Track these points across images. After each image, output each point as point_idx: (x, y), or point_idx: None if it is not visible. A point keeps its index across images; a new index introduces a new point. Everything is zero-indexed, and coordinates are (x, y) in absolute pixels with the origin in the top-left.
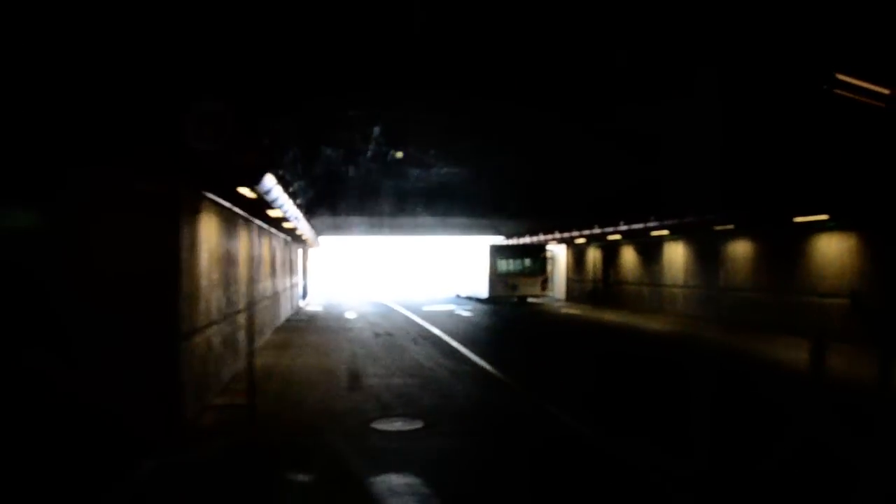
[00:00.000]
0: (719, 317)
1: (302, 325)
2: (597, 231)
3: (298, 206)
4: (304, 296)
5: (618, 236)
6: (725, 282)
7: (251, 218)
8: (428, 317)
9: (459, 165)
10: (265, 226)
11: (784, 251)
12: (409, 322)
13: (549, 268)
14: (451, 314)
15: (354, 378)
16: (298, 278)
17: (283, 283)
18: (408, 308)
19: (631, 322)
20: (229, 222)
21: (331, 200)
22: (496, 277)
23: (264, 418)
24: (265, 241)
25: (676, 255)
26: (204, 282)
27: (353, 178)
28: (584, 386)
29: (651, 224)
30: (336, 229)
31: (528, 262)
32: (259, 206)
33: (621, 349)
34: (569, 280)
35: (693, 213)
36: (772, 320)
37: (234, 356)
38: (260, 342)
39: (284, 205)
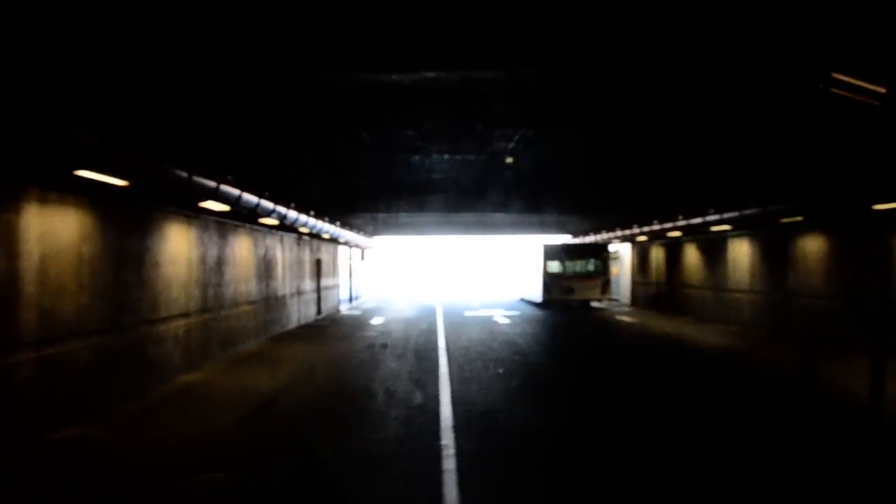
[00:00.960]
0: (790, 328)
1: (309, 333)
2: (656, 227)
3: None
4: (352, 298)
5: (677, 233)
6: (796, 286)
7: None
8: (458, 325)
9: (530, 157)
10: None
11: (863, 249)
12: (429, 331)
13: (610, 269)
14: (487, 321)
15: (261, 408)
16: (336, 280)
17: (293, 285)
18: (451, 312)
19: (688, 334)
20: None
21: (390, 196)
22: (551, 280)
23: None
24: (242, 241)
25: (741, 254)
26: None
27: (417, 170)
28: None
29: (710, 217)
30: (398, 228)
31: (585, 262)
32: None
33: (669, 379)
34: (634, 283)
35: (754, 202)
36: (851, 336)
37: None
38: (224, 354)
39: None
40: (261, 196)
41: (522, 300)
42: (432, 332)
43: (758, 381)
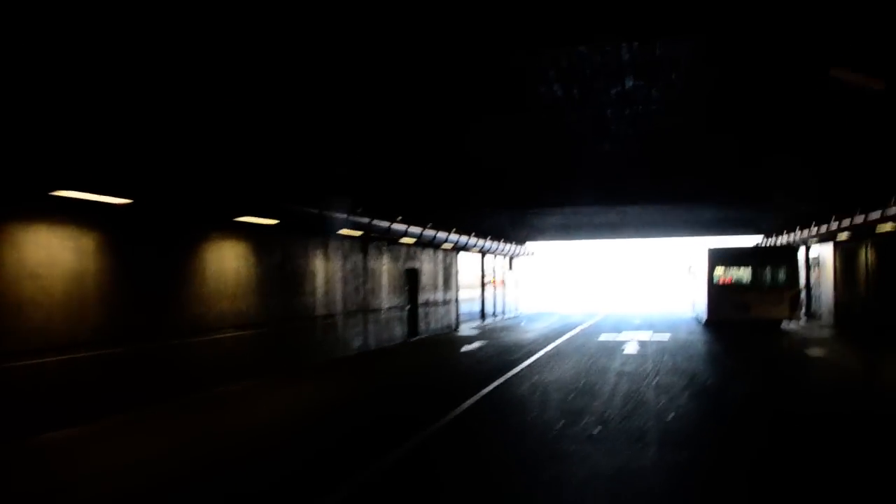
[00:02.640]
0: None
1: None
2: (859, 220)
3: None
4: (494, 313)
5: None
6: None
7: None
8: (569, 354)
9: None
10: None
11: None
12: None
13: (801, 279)
14: (614, 350)
15: None
16: (449, 294)
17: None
18: (587, 335)
19: None
20: None
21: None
22: (718, 293)
23: None
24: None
25: None
26: None
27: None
28: None
29: None
30: (559, 231)
31: (764, 271)
32: None
33: None
34: (837, 297)
35: None
36: None
37: None
38: None
39: None
40: None
41: (696, 318)
42: (528, 354)
43: None
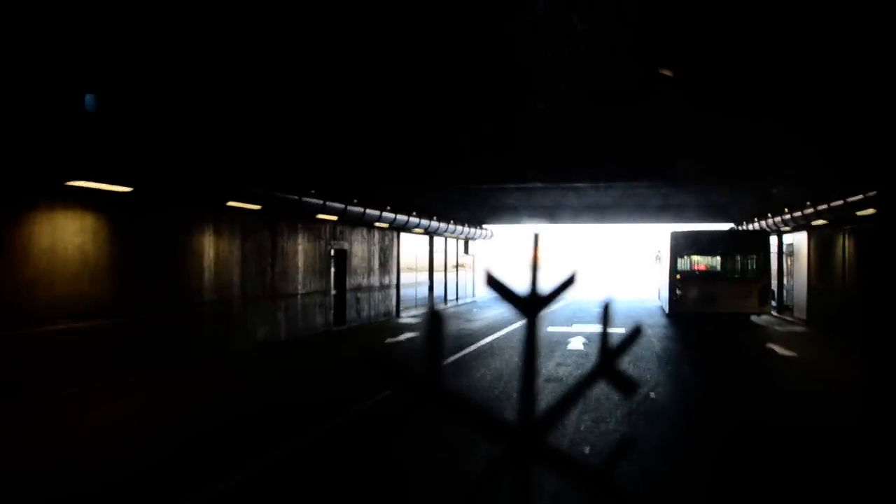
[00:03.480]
0: None
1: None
2: (836, 203)
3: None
4: (445, 299)
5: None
6: None
7: None
8: (510, 348)
9: None
10: None
11: None
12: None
13: (773, 268)
14: (558, 347)
15: None
16: (387, 278)
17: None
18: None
19: None
20: None
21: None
22: (681, 283)
23: None
24: None
25: None
26: None
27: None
28: None
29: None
30: (517, 214)
31: (732, 259)
32: None
33: None
34: (811, 289)
35: None
36: None
37: None
38: None
39: None
40: None
41: (662, 308)
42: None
43: None
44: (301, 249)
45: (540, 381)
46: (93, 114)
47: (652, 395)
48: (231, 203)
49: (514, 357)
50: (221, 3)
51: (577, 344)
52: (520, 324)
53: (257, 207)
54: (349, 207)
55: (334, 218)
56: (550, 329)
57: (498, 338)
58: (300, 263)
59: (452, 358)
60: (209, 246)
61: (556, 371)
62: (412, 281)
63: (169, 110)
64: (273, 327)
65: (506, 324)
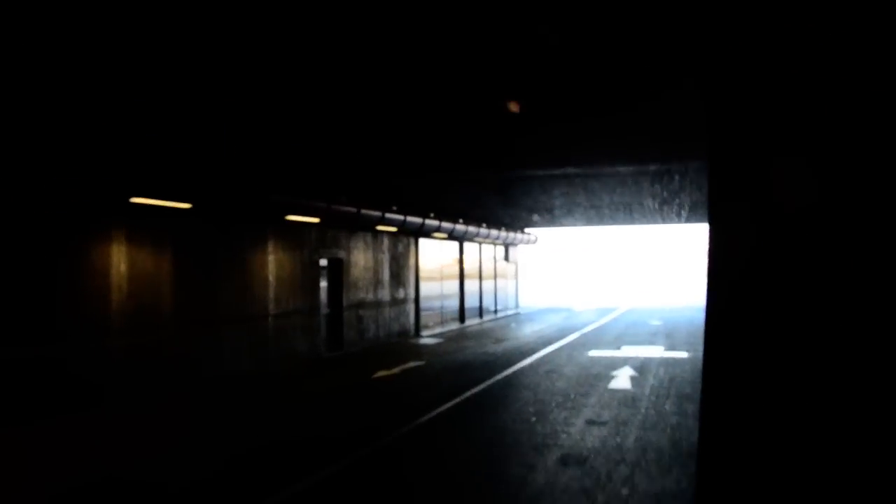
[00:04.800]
0: None
1: None
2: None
3: None
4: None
5: None
6: None
7: None
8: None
9: None
10: None
11: None
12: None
13: None
14: (596, 388)
15: None
16: (403, 291)
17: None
18: (581, 346)
19: None
20: None
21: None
22: None
23: None
24: None
25: None
26: None
27: None
28: None
29: None
30: (564, 216)
31: None
32: None
33: None
34: None
35: None
36: None
37: None
38: None
39: None
40: None
41: None
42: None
43: None
44: (272, 260)
45: (551, 460)
46: None
47: None
48: (140, 200)
49: (527, 407)
50: None
51: (623, 380)
52: (559, 344)
53: (186, 206)
54: (332, 207)
55: (315, 220)
56: (592, 354)
57: (522, 367)
58: (271, 277)
59: (432, 414)
60: (118, 258)
61: (582, 438)
62: (438, 293)
63: None
64: (219, 362)
65: (540, 344)
